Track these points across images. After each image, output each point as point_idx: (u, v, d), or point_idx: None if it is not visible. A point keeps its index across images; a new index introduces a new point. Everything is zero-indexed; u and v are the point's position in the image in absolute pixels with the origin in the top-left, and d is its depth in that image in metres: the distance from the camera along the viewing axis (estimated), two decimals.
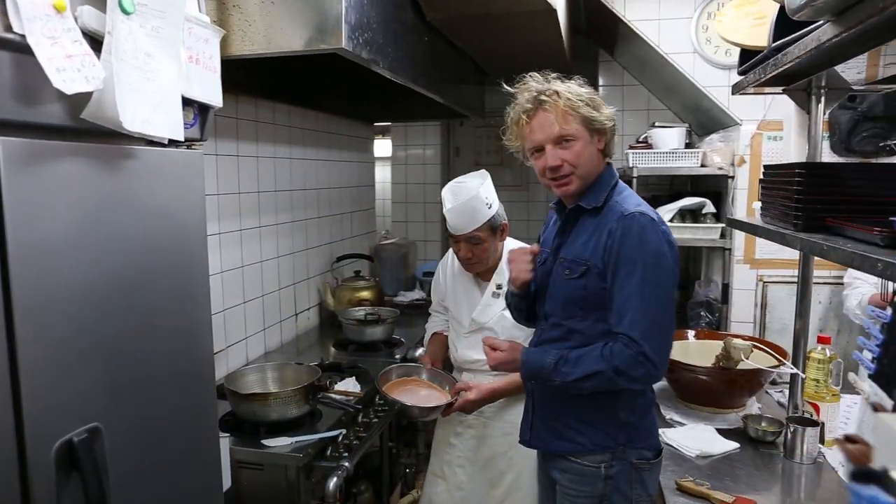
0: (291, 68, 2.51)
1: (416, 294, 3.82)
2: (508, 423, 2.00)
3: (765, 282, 2.78)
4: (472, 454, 2.05)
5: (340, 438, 1.89)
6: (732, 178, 2.79)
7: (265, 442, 1.76)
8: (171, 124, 1.05)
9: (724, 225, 2.86)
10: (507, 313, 1.95)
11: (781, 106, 2.66)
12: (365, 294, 3.18)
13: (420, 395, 2.04)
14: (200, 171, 1.19)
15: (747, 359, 1.74)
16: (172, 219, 1.12)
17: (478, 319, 1.98)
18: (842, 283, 2.63)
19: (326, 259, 3.32)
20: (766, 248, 2.76)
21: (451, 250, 2.15)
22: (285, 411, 1.84)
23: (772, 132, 2.70)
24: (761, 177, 1.86)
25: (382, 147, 4.60)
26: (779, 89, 1.69)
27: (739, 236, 2.79)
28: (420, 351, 2.69)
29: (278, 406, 1.82)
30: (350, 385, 2.18)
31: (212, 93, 1.16)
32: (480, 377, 2.02)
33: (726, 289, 2.90)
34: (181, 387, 1.15)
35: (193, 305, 1.18)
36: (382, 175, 4.71)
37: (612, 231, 1.40)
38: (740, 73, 1.73)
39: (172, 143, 1.10)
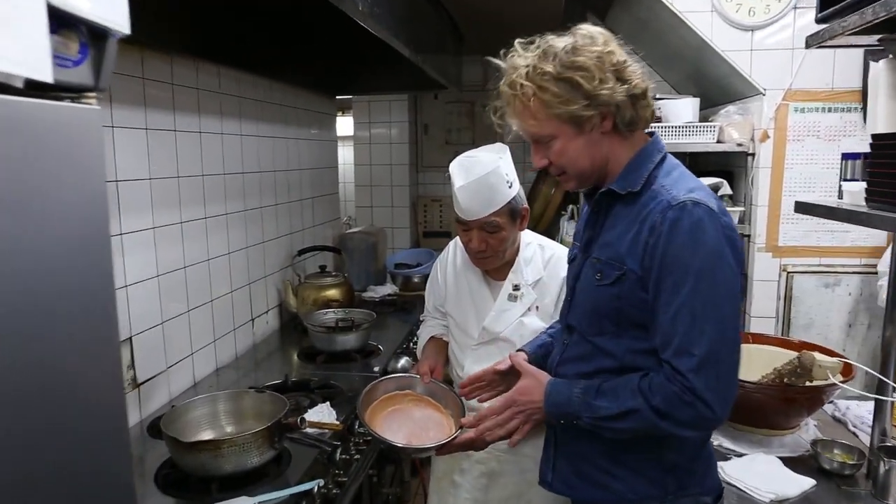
0: (239, 20, 2.03)
1: (388, 289, 3.42)
2: (525, 458, 1.62)
3: (789, 272, 2.48)
4: (481, 495, 1.66)
5: (317, 490, 1.48)
6: (753, 155, 2.47)
7: None
8: (31, 56, 0.60)
9: (742, 208, 2.54)
10: (527, 320, 1.58)
11: (812, 72, 2.35)
12: (332, 293, 2.75)
13: (415, 417, 1.62)
14: (97, 136, 0.74)
15: (833, 377, 1.40)
16: (44, 210, 0.67)
17: (491, 328, 1.59)
18: (874, 273, 2.36)
19: (286, 252, 2.86)
20: (790, 235, 2.46)
21: (452, 243, 1.74)
22: (244, 461, 1.41)
23: (799, 103, 2.39)
24: (851, 152, 1.53)
25: (342, 125, 4.13)
26: (873, 38, 1.34)
27: (761, 221, 2.48)
28: (403, 361, 2.29)
29: (235, 455, 1.39)
30: (325, 414, 1.76)
31: (111, 9, 0.71)
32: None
33: (744, 280, 2.59)
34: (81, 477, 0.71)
35: (93, 348, 0.74)
36: (342, 156, 4.26)
37: (656, 225, 1.07)
38: (820, 21, 1.38)
39: (43, 90, 0.64)
